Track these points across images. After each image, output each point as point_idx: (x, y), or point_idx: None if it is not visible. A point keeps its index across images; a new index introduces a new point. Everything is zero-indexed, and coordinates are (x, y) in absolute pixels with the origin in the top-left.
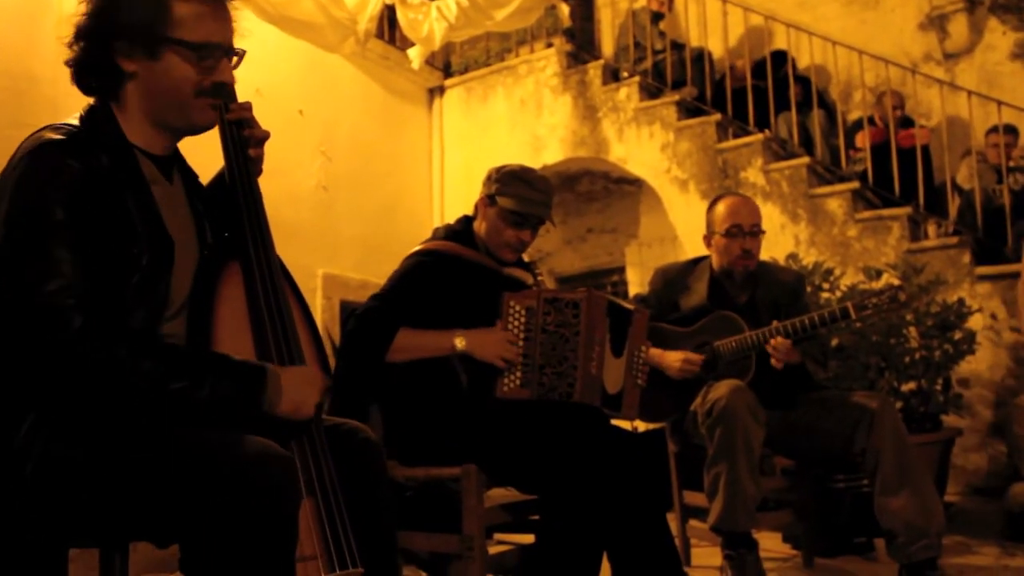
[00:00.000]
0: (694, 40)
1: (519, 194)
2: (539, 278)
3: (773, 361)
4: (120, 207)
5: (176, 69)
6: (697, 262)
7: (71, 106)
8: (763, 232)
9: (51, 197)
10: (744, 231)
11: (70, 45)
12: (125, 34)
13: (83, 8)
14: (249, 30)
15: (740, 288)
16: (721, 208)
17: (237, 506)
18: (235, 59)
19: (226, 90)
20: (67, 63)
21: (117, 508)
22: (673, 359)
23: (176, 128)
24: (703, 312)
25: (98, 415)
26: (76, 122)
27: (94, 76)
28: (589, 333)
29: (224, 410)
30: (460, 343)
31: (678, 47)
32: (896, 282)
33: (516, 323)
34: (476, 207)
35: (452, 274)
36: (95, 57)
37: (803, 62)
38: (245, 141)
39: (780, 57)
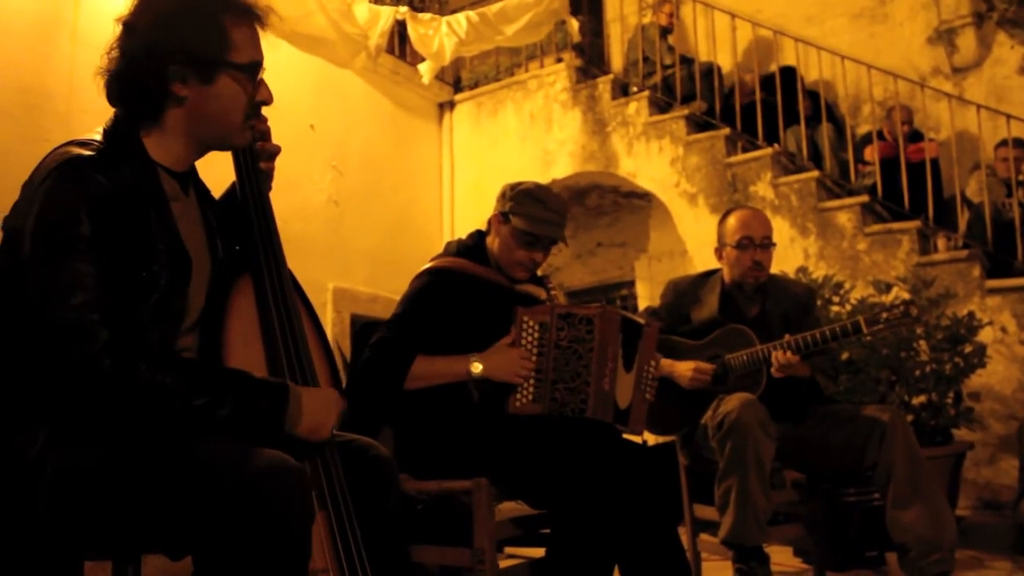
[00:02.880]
0: (703, 55)
1: (532, 214)
2: (552, 292)
3: (773, 370)
4: (143, 225)
5: (229, 93)
6: (709, 275)
7: (83, 121)
8: (774, 244)
9: (79, 212)
10: (755, 243)
11: (115, 63)
12: (182, 59)
13: (131, 29)
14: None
15: (751, 301)
16: (732, 220)
17: (251, 518)
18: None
19: (260, 108)
20: (108, 84)
21: (131, 519)
22: (684, 369)
23: (212, 148)
24: (714, 325)
25: (117, 429)
26: (100, 138)
27: (139, 98)
28: (602, 349)
29: (245, 427)
30: (476, 369)
31: (687, 61)
32: (905, 295)
33: (529, 338)
34: (489, 223)
35: (463, 292)
36: (146, 81)
37: (812, 76)
38: (257, 154)
39: (789, 73)
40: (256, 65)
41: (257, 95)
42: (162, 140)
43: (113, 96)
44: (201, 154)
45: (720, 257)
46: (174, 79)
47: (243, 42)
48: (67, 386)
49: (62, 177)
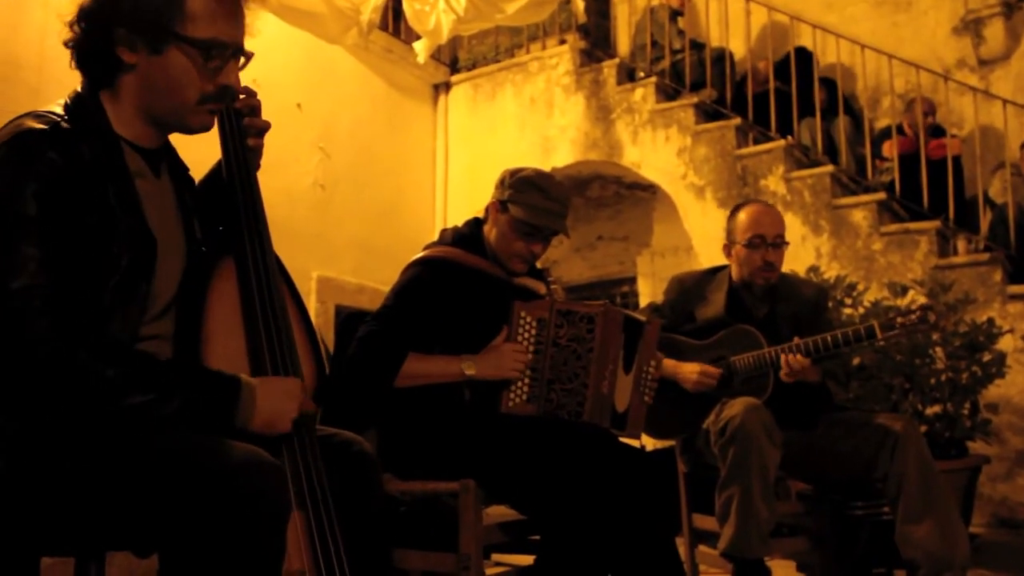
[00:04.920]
0: (715, 40)
1: (533, 204)
2: (552, 287)
3: (782, 374)
4: (100, 203)
5: (179, 67)
6: (715, 272)
7: (54, 93)
8: (787, 243)
9: (25, 190)
10: (767, 242)
11: (71, 25)
12: (129, 23)
13: None
14: (259, 29)
15: (760, 301)
16: (743, 216)
17: (222, 515)
18: (242, 60)
19: (231, 93)
20: (66, 44)
21: (94, 514)
22: (689, 371)
23: (169, 126)
24: (720, 325)
25: (58, 421)
26: (60, 110)
27: (90, 62)
28: (603, 350)
29: (192, 425)
30: (469, 370)
31: (698, 47)
32: (922, 299)
33: (526, 335)
34: (487, 211)
35: (457, 284)
36: (94, 43)
37: (829, 66)
38: (244, 131)
39: (804, 57)
40: (216, 44)
41: (220, 77)
42: (121, 110)
43: (74, 59)
44: (163, 131)
45: (728, 255)
46: (121, 43)
47: (202, 15)
48: (6, 375)
49: (10, 152)
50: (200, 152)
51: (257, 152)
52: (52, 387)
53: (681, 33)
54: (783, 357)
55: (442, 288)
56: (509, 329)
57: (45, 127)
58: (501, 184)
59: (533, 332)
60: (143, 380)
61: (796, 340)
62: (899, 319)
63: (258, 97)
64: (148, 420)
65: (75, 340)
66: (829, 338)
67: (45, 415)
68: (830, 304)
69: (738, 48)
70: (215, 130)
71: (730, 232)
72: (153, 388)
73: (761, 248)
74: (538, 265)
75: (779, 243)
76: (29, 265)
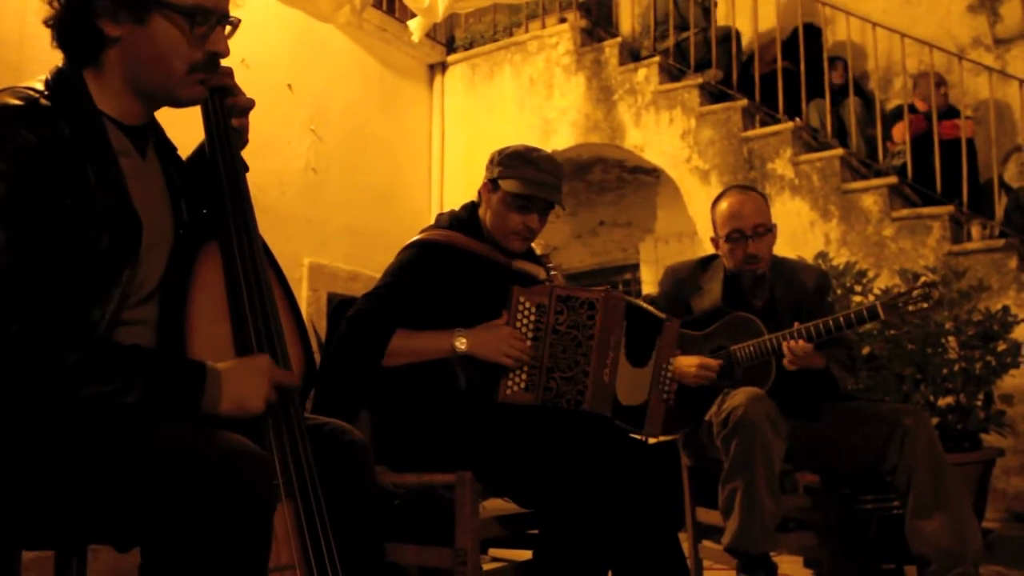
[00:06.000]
0: (721, 18)
1: (524, 176)
2: (552, 273)
3: (785, 362)
4: (79, 183)
5: (165, 36)
6: (710, 260)
7: (35, 71)
8: (771, 230)
9: None
10: (746, 235)
11: (49, 2)
12: None
13: None
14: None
15: (758, 288)
16: (723, 207)
17: (205, 507)
18: (229, 28)
19: (218, 62)
20: (46, 23)
21: (73, 505)
22: (687, 364)
23: (158, 100)
24: (718, 314)
25: (23, 410)
26: (40, 86)
27: (72, 39)
28: (604, 337)
29: (156, 413)
30: (461, 344)
31: (705, 9)
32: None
33: (525, 320)
34: (479, 194)
35: (454, 268)
36: (75, 17)
37: (839, 45)
38: (228, 110)
39: (813, 33)
40: (202, 11)
41: (207, 44)
42: (105, 87)
43: (54, 38)
44: (150, 107)
45: (716, 247)
46: (103, 15)
47: None
48: None
49: None
50: (186, 133)
51: (242, 132)
52: (12, 374)
53: (707, 12)
54: (785, 344)
55: (439, 271)
56: (508, 315)
57: (20, 103)
58: (491, 163)
59: (532, 318)
60: (104, 369)
61: (796, 325)
62: (902, 298)
63: (233, 76)
64: (109, 410)
65: (37, 326)
66: (831, 321)
67: (7, 403)
68: (839, 292)
69: (744, 27)
70: (198, 111)
71: (713, 224)
72: (114, 378)
73: (741, 242)
74: (537, 251)
75: (761, 233)
76: None
